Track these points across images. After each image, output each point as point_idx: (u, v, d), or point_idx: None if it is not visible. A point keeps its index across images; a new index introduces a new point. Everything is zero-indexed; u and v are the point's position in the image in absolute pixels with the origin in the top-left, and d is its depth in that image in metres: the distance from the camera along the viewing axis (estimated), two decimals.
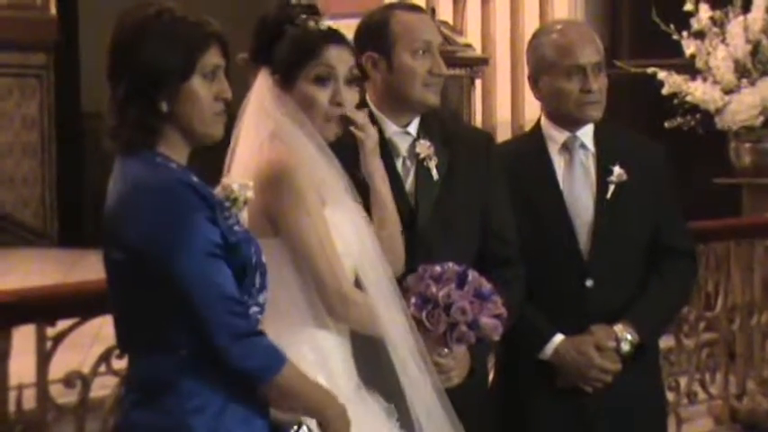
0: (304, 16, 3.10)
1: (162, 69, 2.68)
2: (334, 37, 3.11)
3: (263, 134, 3.04)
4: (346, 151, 3.19)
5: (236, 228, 2.74)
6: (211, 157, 2.98)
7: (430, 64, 3.40)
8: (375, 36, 3.42)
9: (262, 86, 3.09)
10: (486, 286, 3.20)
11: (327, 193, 3.04)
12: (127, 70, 2.71)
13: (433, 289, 3.15)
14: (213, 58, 2.73)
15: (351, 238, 3.06)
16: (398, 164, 3.46)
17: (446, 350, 3.21)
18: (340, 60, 3.09)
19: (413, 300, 3.14)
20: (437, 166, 3.45)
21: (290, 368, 2.74)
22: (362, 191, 3.16)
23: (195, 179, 2.72)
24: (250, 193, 2.86)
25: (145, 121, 2.70)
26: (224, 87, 2.75)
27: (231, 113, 3.09)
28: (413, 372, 3.03)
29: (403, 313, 3.07)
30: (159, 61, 2.68)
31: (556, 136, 3.79)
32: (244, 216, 2.86)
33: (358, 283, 3.07)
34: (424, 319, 3.13)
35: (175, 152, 2.74)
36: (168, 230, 2.63)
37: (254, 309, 2.76)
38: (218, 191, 2.83)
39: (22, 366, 3.71)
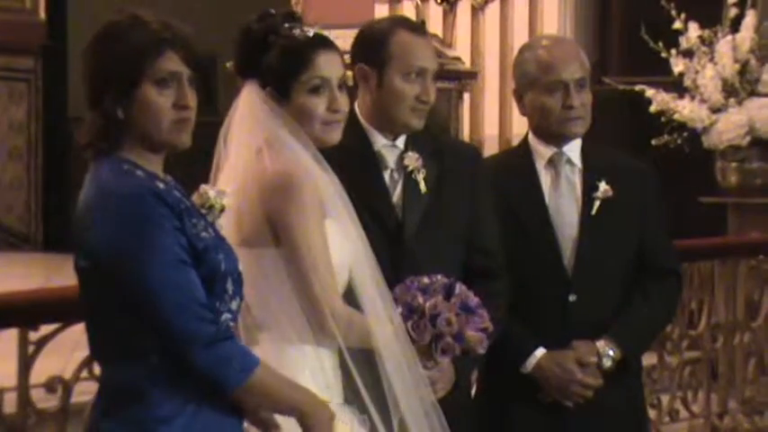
0: (287, 25, 3.10)
1: (109, 75, 2.67)
2: (323, 42, 3.10)
3: (258, 142, 3.04)
4: (341, 157, 3.22)
5: (204, 234, 2.71)
6: (195, 166, 2.97)
7: (419, 90, 3.40)
8: (371, 49, 3.42)
9: (252, 99, 3.08)
10: (474, 299, 3.20)
11: (326, 203, 3.04)
12: (85, 75, 2.71)
13: (420, 299, 3.15)
14: (168, 64, 2.68)
15: (346, 248, 3.06)
16: (386, 176, 3.46)
17: (431, 363, 3.21)
18: (331, 66, 3.09)
19: (399, 309, 3.14)
20: (425, 179, 3.45)
21: (264, 369, 2.72)
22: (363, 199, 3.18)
23: (161, 185, 2.70)
24: (227, 200, 2.85)
25: (104, 127, 2.68)
26: (183, 95, 2.70)
27: (218, 121, 3.08)
28: (405, 386, 3.04)
29: (397, 326, 3.07)
30: (105, 66, 2.67)
31: (542, 151, 3.80)
32: (220, 223, 2.85)
33: (351, 295, 3.07)
34: (409, 329, 3.13)
35: (143, 158, 2.72)
36: (131, 239, 2.61)
37: (226, 315, 2.73)
38: (194, 197, 2.82)
39: (3, 370, 3.70)
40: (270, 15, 3.10)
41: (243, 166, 3.02)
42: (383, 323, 3.04)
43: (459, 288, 3.19)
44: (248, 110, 3.07)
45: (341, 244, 3.04)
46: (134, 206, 2.63)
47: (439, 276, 3.21)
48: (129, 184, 2.66)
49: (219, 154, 3.05)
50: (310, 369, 3.01)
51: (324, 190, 3.02)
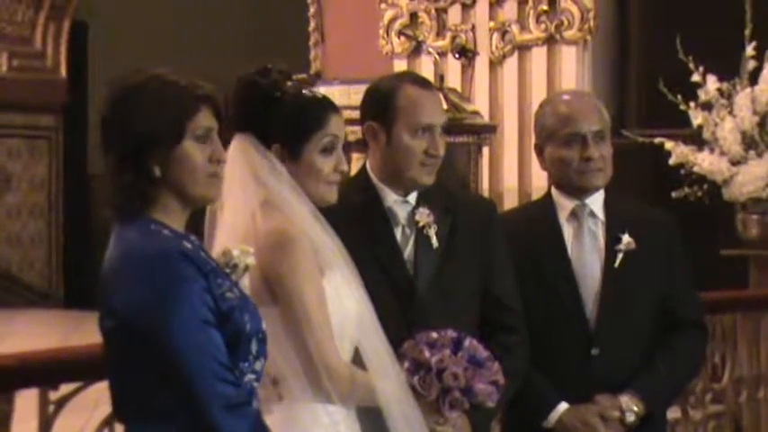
0: (290, 83, 3.12)
1: (152, 134, 2.68)
2: (333, 106, 3.15)
3: (254, 202, 3.05)
4: (352, 215, 3.24)
5: (230, 294, 2.71)
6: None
7: (428, 144, 3.40)
8: (379, 107, 3.43)
9: (247, 151, 3.08)
10: (483, 353, 3.19)
11: (325, 260, 3.04)
12: (118, 137, 2.70)
13: (427, 354, 3.14)
14: (205, 120, 2.72)
15: (350, 306, 3.06)
16: (398, 232, 3.45)
17: (442, 419, 3.19)
18: (340, 129, 3.14)
19: (406, 365, 3.14)
20: (437, 234, 3.44)
21: None
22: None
23: (189, 246, 2.70)
24: (251, 260, 2.85)
25: (138, 187, 2.69)
26: (218, 149, 2.74)
27: None
28: None
29: (402, 383, 3.07)
30: (149, 126, 2.68)
31: (565, 204, 3.79)
32: (245, 282, 2.85)
33: (357, 355, 3.07)
34: (416, 384, 3.12)
35: (171, 217, 2.73)
36: (159, 300, 2.61)
37: (250, 376, 2.73)
38: (217, 256, 2.83)
39: (23, 431, 3.68)
40: (271, 71, 3.12)
41: (236, 225, 3.03)
42: (387, 380, 3.04)
43: (469, 342, 3.19)
44: (245, 164, 3.07)
45: (343, 300, 3.04)
46: (162, 266, 2.63)
47: (448, 331, 3.20)
48: (156, 245, 2.67)
49: (214, 209, 3.05)
50: (321, 427, 3.00)
51: (322, 247, 3.03)
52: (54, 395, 3.67)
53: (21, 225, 10.84)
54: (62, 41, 11.21)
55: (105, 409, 3.65)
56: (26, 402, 3.65)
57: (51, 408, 3.67)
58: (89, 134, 10.98)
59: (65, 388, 3.68)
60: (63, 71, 11.23)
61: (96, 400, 3.75)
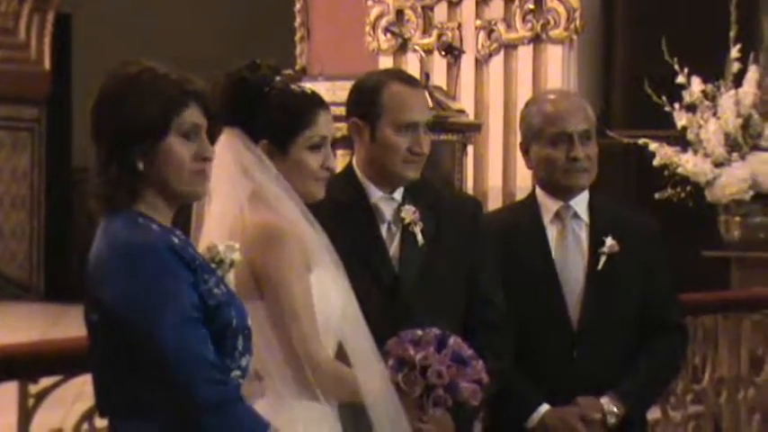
0: (278, 78, 3.11)
1: (136, 128, 2.66)
2: (322, 102, 3.14)
3: (242, 195, 3.04)
4: (337, 211, 3.23)
5: (216, 290, 2.70)
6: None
7: (412, 141, 3.40)
8: (363, 103, 3.43)
9: (235, 146, 3.07)
10: (467, 351, 3.19)
11: (311, 256, 3.04)
12: (105, 130, 2.69)
13: (411, 352, 3.15)
14: (191, 116, 2.70)
15: (335, 302, 3.05)
16: (383, 229, 3.45)
17: (425, 416, 3.19)
18: (329, 125, 3.13)
19: (390, 362, 3.14)
20: (423, 231, 3.44)
21: None
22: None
23: (176, 240, 2.69)
24: (236, 255, 2.84)
25: (123, 181, 2.67)
26: (204, 146, 2.72)
27: None
28: None
29: (384, 380, 3.06)
30: (133, 120, 2.66)
31: (549, 205, 3.79)
32: (230, 278, 2.84)
33: (341, 350, 3.06)
34: (399, 381, 3.12)
35: (157, 211, 2.71)
36: (145, 294, 2.59)
37: (236, 372, 2.71)
38: (203, 252, 2.81)
39: (3, 424, 3.67)
40: (260, 66, 3.11)
41: (224, 218, 3.02)
42: (372, 377, 3.03)
43: (453, 340, 3.19)
44: (233, 159, 3.07)
45: (329, 296, 3.04)
46: (149, 260, 2.62)
47: (432, 329, 3.20)
48: (144, 238, 2.65)
49: (201, 203, 3.03)
50: (304, 424, 2.99)
51: (310, 242, 3.02)
52: (34, 388, 3.65)
53: (3, 217, 10.80)
54: (46, 33, 11.17)
55: (85, 402, 3.65)
56: (6, 395, 3.64)
57: (31, 401, 3.65)
58: (72, 126, 10.96)
59: (45, 381, 3.67)
60: (47, 63, 11.20)
61: (76, 393, 3.74)
